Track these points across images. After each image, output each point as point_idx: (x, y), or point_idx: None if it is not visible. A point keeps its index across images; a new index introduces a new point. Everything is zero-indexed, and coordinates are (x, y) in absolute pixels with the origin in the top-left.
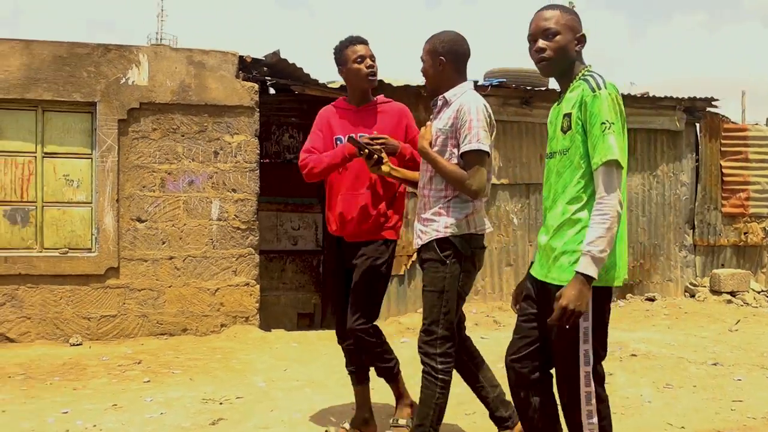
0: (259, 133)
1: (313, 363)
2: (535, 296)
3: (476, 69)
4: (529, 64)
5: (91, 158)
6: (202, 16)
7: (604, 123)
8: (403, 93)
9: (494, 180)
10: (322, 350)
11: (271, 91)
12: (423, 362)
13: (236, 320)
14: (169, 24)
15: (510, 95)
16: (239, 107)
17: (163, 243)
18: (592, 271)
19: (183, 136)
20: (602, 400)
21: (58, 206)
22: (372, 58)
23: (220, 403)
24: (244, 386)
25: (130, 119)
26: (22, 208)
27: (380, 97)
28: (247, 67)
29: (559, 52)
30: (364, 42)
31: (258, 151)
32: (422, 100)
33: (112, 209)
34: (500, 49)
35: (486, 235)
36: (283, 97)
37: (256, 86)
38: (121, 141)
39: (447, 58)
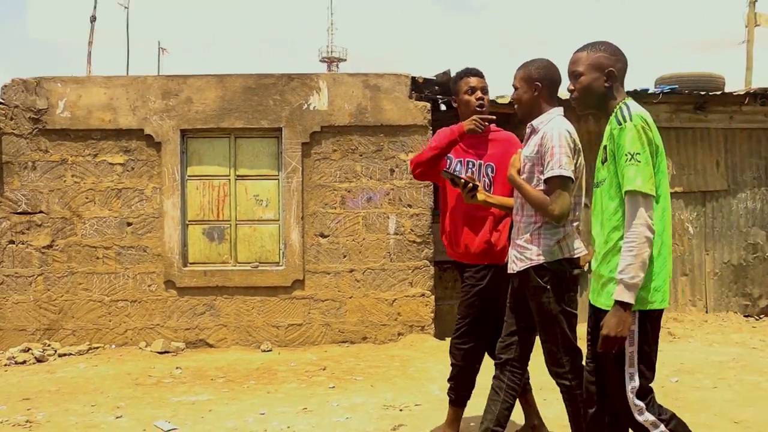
0: None
1: (487, 372)
2: (593, 322)
3: (647, 75)
4: (702, 69)
5: (278, 179)
6: (370, 27)
7: (627, 154)
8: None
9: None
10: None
11: (443, 107)
12: (557, 383)
13: (412, 329)
14: (338, 36)
15: (683, 101)
16: (413, 126)
17: (344, 257)
18: (627, 297)
19: (361, 155)
20: (661, 421)
21: (249, 224)
22: (483, 90)
23: (400, 410)
24: (421, 394)
25: (312, 142)
26: (218, 226)
27: (492, 126)
28: (419, 87)
29: (583, 92)
30: (478, 75)
31: None
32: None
33: (297, 226)
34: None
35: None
36: (454, 113)
37: (428, 105)
38: (304, 162)
39: (543, 84)
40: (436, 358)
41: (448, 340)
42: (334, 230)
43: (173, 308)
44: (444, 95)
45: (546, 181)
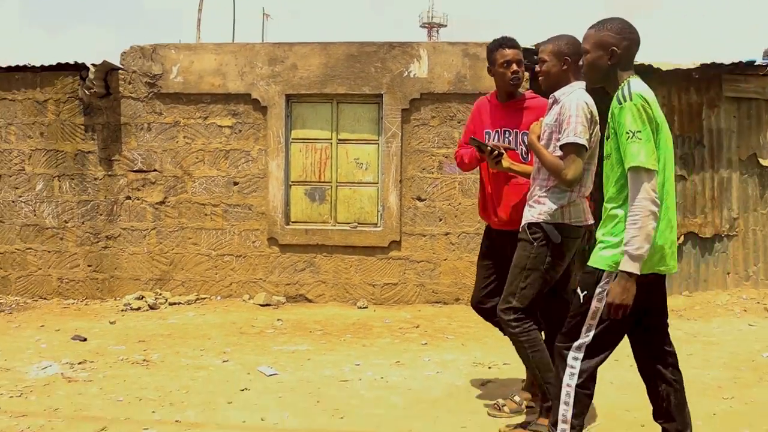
0: None
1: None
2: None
3: (756, 46)
4: None
5: (378, 144)
6: None
7: (628, 132)
8: (672, 76)
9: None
10: None
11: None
12: (502, 329)
13: None
14: (439, 1)
15: None
16: None
17: (440, 220)
18: (630, 267)
19: (459, 122)
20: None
21: (349, 186)
22: (519, 62)
23: (489, 368)
24: (510, 354)
25: (411, 108)
26: (319, 187)
27: (528, 93)
28: None
29: (588, 69)
30: (514, 46)
31: None
32: (693, 82)
33: (395, 189)
34: None
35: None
36: None
37: (527, 74)
38: (403, 128)
39: (571, 59)
40: None
41: None
42: (430, 194)
43: (275, 264)
44: None
45: (561, 147)
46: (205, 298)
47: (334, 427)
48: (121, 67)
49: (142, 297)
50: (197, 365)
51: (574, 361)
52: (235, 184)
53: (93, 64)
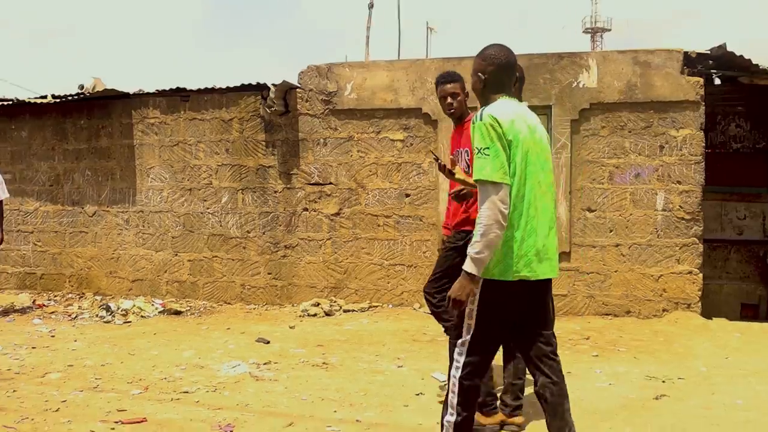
0: (704, 125)
1: (757, 354)
2: None
3: None
4: None
5: None
6: None
7: (476, 149)
8: None
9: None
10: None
11: (717, 81)
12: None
13: (678, 306)
14: (603, 5)
15: None
16: (684, 102)
17: (611, 231)
18: (470, 268)
19: (630, 132)
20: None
21: None
22: (453, 95)
23: (663, 381)
24: (685, 368)
25: (581, 119)
26: None
27: (472, 114)
28: (691, 62)
29: (472, 92)
30: (454, 80)
31: (703, 144)
32: None
33: (565, 200)
34: None
35: None
36: (728, 86)
37: (701, 80)
38: (573, 138)
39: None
40: (701, 336)
41: (715, 319)
42: (600, 205)
43: None
44: (718, 69)
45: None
46: (377, 306)
47: None
48: (299, 86)
49: (318, 304)
50: (373, 369)
51: (459, 357)
52: (407, 195)
53: (273, 84)
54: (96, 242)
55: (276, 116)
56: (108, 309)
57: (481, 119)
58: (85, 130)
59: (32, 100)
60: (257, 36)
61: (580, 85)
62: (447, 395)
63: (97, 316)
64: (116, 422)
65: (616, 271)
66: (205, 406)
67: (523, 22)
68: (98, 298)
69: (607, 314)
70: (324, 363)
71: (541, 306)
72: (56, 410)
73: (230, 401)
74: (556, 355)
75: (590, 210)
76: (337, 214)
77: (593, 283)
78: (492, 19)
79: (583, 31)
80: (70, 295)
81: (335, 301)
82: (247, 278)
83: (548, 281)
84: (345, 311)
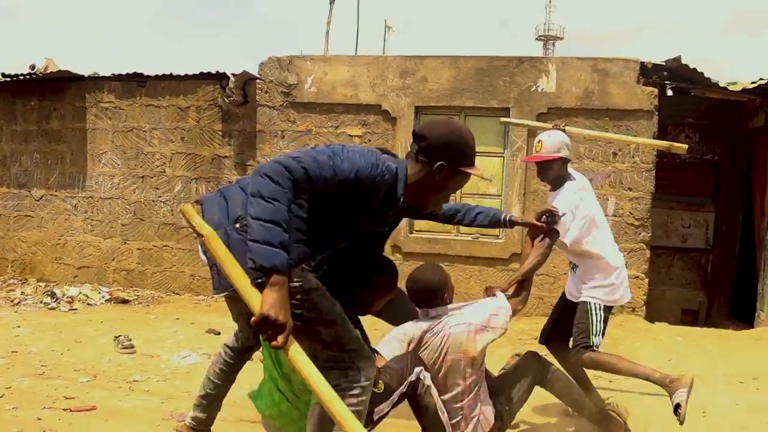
0: (656, 135)
1: (696, 357)
2: None
3: None
4: None
5: (503, 157)
6: (590, 3)
7: None
8: None
9: None
10: (707, 347)
11: (669, 93)
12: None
13: (623, 310)
14: (557, 14)
15: None
16: (639, 111)
17: None
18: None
19: (585, 138)
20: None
21: (473, 197)
22: None
23: (610, 380)
24: None
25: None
26: None
27: None
28: (647, 72)
29: None
30: None
31: (655, 152)
32: None
33: (519, 202)
34: None
35: None
36: (681, 98)
37: (656, 91)
38: (529, 142)
39: None
40: (645, 340)
41: (658, 324)
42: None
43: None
44: (672, 80)
45: None
46: None
47: None
48: (259, 77)
49: None
50: None
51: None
52: None
53: (233, 74)
54: (42, 227)
55: (234, 106)
56: (53, 295)
57: None
58: (35, 112)
59: None
60: (213, 25)
61: (539, 90)
62: None
63: (41, 302)
64: (65, 410)
65: (565, 274)
66: (157, 395)
67: (476, 26)
68: (42, 284)
69: None
70: None
71: None
72: (1, 396)
73: (182, 391)
74: None
75: None
76: None
77: (543, 285)
78: (445, 23)
79: (536, 38)
80: (12, 281)
81: None
82: (197, 269)
83: None
84: None
